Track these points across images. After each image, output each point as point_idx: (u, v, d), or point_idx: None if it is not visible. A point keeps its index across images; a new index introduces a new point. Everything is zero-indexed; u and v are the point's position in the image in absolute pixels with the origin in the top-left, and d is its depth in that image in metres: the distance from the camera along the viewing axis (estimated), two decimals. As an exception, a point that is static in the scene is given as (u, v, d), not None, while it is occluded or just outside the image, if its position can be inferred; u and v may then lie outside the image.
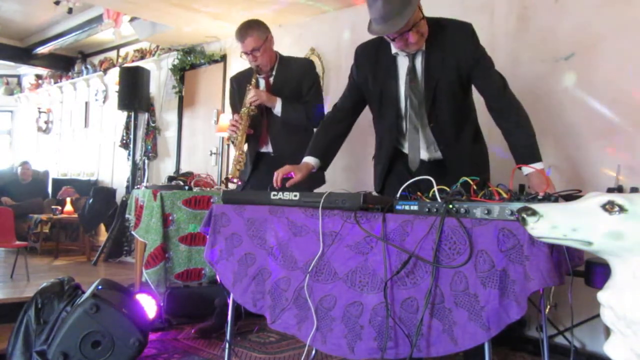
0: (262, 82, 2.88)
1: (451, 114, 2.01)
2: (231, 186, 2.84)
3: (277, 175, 2.00)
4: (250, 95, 2.72)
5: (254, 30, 2.73)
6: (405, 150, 2.11)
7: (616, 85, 2.68)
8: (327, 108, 2.94)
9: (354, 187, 3.04)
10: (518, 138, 1.90)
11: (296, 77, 2.82)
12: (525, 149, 1.89)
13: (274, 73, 2.86)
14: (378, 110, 2.14)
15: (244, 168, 2.78)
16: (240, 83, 2.91)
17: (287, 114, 2.75)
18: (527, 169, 1.84)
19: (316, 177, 2.84)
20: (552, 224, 1.07)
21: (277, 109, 2.75)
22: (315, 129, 2.89)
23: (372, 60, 2.07)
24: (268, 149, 2.87)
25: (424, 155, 2.09)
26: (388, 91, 2.05)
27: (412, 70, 1.98)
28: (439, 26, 1.96)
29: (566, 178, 2.76)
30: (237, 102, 2.91)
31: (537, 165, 1.84)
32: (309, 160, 2.14)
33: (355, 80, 2.15)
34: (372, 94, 2.11)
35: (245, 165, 2.99)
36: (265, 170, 2.87)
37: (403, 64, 2.01)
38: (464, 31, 1.95)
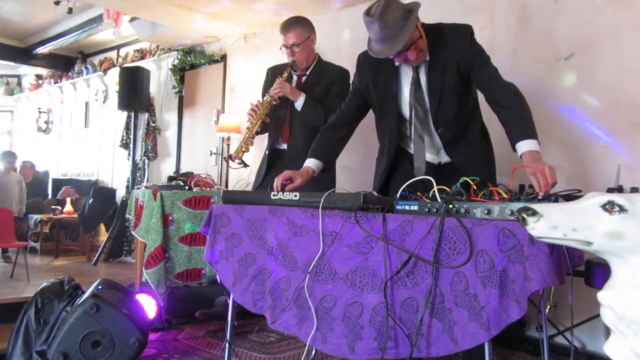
0: (294, 79, 2.91)
1: (457, 114, 2.04)
2: (232, 165, 2.79)
3: (277, 181, 2.01)
4: (276, 86, 2.76)
5: (298, 26, 2.76)
6: (412, 151, 2.13)
7: (616, 85, 2.68)
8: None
9: (354, 187, 3.04)
10: (511, 117, 1.85)
11: (327, 82, 2.83)
12: (516, 125, 1.82)
13: (307, 73, 2.88)
14: (380, 115, 2.17)
15: (247, 152, 2.79)
16: (274, 74, 2.93)
17: (307, 111, 2.76)
18: (520, 149, 1.77)
19: (327, 182, 2.81)
20: (552, 224, 1.07)
21: (299, 104, 2.77)
22: None
23: (373, 67, 2.09)
24: (284, 145, 2.90)
25: (434, 159, 2.13)
26: (389, 96, 2.08)
27: (416, 80, 2.01)
28: (438, 31, 1.98)
29: (566, 178, 2.76)
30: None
31: (524, 145, 1.75)
32: (310, 164, 2.15)
33: (358, 87, 2.19)
34: (373, 100, 2.15)
35: (261, 165, 2.99)
36: (280, 169, 2.88)
37: (406, 73, 2.05)
38: (461, 32, 1.98)
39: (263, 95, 2.97)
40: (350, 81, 2.84)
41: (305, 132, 2.79)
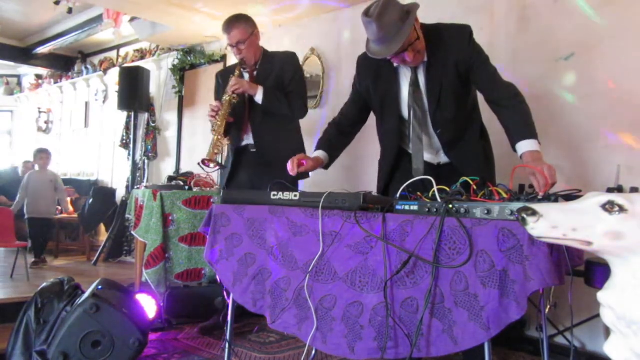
0: (246, 76, 2.90)
1: (456, 114, 2.04)
2: (207, 169, 2.80)
3: (293, 162, 2.01)
4: (232, 83, 2.74)
5: (240, 24, 2.77)
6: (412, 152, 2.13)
7: (616, 85, 2.68)
8: (327, 109, 2.98)
9: (354, 187, 3.04)
10: (511, 118, 1.85)
11: (278, 69, 2.83)
12: (516, 126, 1.82)
13: (257, 68, 2.88)
14: (380, 116, 2.18)
15: (220, 154, 2.78)
16: (225, 77, 2.92)
17: (269, 102, 2.75)
18: (520, 149, 1.78)
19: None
20: (552, 224, 1.07)
21: (259, 97, 2.75)
22: (298, 120, 2.94)
23: (373, 69, 2.10)
24: (249, 140, 2.89)
25: (434, 160, 2.13)
26: (389, 98, 2.09)
27: (415, 82, 2.01)
28: (436, 32, 1.98)
29: (566, 178, 2.76)
30: (220, 95, 2.93)
31: (524, 145, 1.76)
32: (320, 154, 2.16)
33: (358, 89, 2.19)
34: (374, 102, 2.15)
35: (226, 162, 2.98)
36: (247, 166, 2.89)
37: (405, 74, 2.05)
38: (460, 33, 1.98)
39: (216, 100, 2.95)
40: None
41: (268, 125, 2.80)
